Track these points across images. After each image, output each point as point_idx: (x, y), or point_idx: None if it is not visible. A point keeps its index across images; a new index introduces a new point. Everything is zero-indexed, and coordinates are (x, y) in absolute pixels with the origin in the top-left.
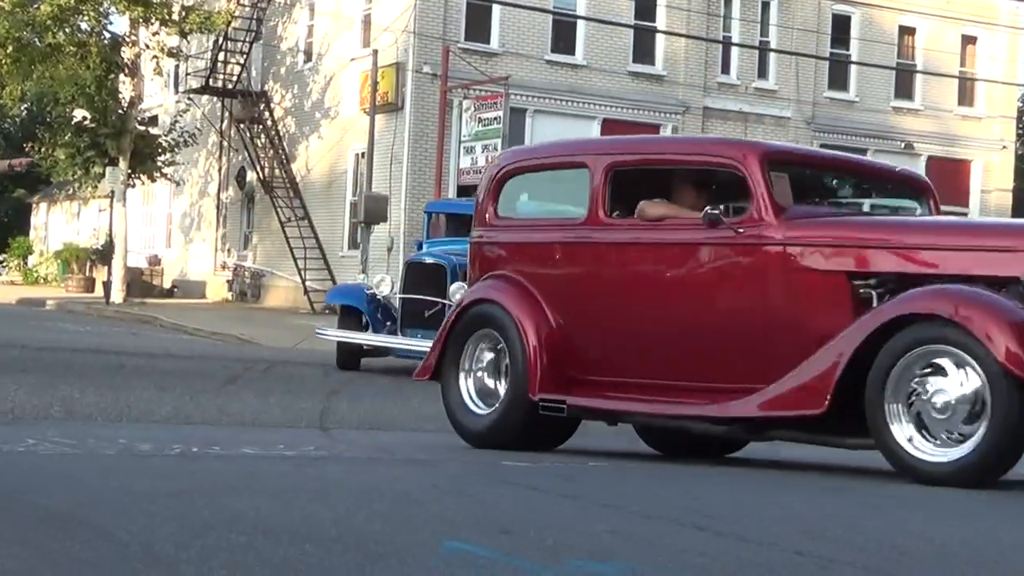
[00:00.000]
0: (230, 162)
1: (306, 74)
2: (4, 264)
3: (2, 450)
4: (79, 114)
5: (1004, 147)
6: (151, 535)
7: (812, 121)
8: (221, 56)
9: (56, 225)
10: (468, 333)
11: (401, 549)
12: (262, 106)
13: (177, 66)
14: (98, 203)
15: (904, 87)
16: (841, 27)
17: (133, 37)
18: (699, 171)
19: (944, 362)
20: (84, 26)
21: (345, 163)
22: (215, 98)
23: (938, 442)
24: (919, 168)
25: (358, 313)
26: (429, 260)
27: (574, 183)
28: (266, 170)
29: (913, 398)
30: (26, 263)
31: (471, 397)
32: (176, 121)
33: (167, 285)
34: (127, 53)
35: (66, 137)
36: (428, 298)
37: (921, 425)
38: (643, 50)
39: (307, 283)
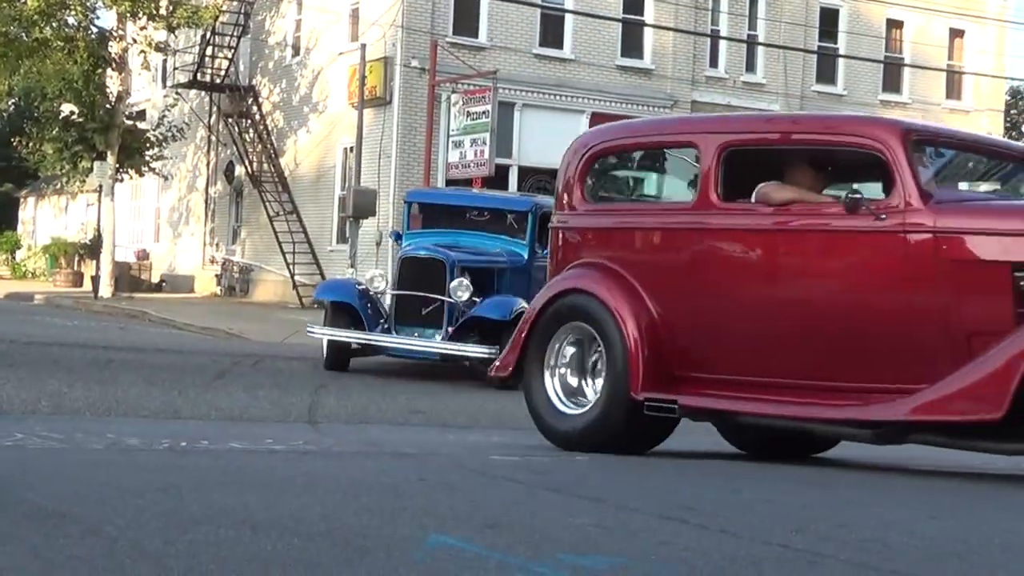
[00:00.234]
0: (218, 156)
1: (294, 68)
2: None
3: None
4: (67, 109)
5: None
6: (139, 530)
7: None
8: (209, 50)
9: (44, 220)
10: (554, 327)
11: (388, 543)
12: (250, 100)
13: (165, 60)
14: (86, 197)
15: (892, 81)
16: (829, 20)
17: (120, 31)
18: (819, 151)
19: None
20: (71, 21)
21: (333, 157)
22: (203, 92)
23: None
24: None
25: (350, 310)
26: (425, 255)
27: (678, 164)
28: (254, 164)
29: None
30: (14, 258)
31: (558, 396)
32: (164, 115)
33: (155, 280)
34: (114, 48)
35: (54, 132)
36: (427, 295)
37: None
38: (631, 44)
39: (296, 277)
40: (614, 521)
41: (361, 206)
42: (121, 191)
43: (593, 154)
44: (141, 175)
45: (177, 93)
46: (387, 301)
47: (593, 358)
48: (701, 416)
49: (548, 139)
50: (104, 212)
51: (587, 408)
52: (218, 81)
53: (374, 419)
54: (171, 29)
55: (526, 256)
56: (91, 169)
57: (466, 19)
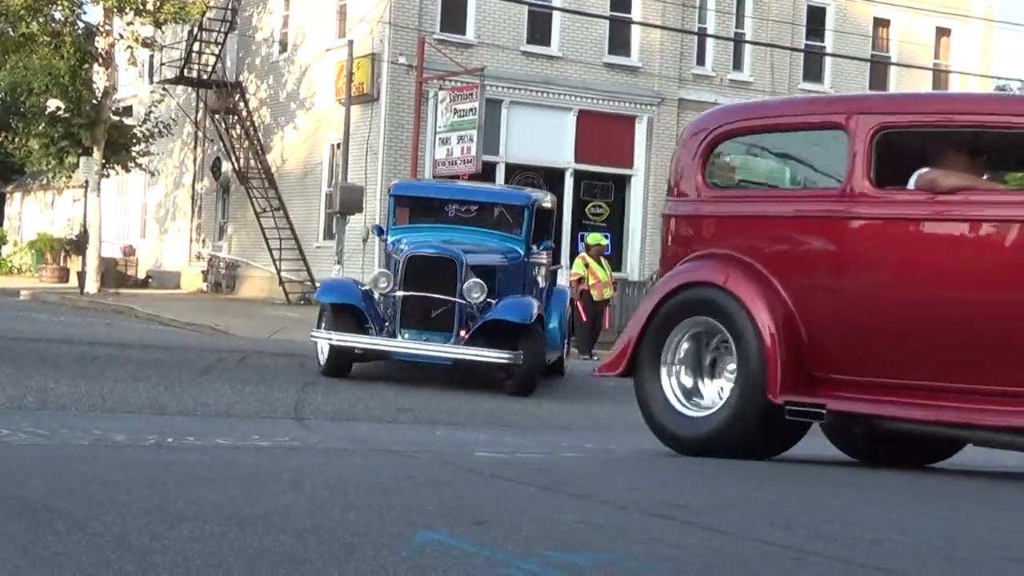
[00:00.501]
0: (205, 152)
1: (281, 65)
2: None
3: None
4: (53, 104)
5: None
6: (125, 526)
7: None
8: (196, 46)
9: (30, 215)
10: (673, 322)
11: (376, 540)
12: (237, 97)
13: (152, 56)
14: (72, 193)
15: (878, 79)
16: (816, 19)
17: (107, 27)
18: (987, 135)
19: None
20: (58, 16)
21: (320, 154)
22: (190, 88)
23: None
24: None
25: (354, 312)
26: (433, 253)
27: (821, 146)
28: (241, 161)
29: None
30: (0, 253)
31: (676, 397)
32: (151, 111)
33: (142, 275)
34: (101, 43)
35: (40, 127)
36: (437, 296)
37: None
38: (618, 41)
39: (282, 274)
40: (602, 518)
41: (348, 203)
42: (107, 187)
43: (716, 137)
44: (127, 171)
45: (164, 89)
46: (391, 303)
47: (711, 356)
48: (855, 422)
49: (535, 136)
50: (90, 208)
51: (712, 410)
52: (205, 77)
53: (361, 416)
54: (158, 25)
55: (522, 253)
56: (77, 165)
57: (454, 16)
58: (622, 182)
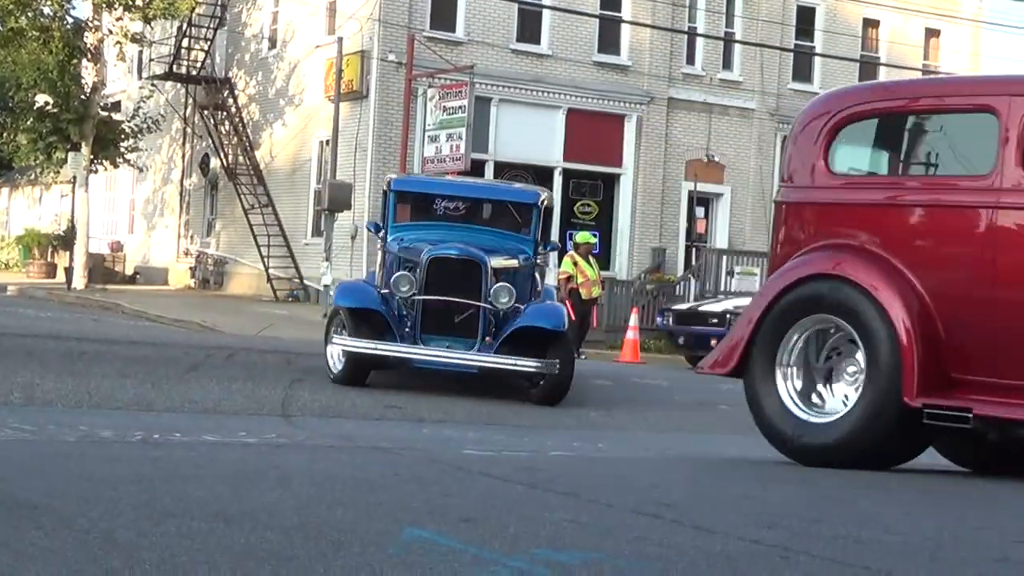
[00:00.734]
0: (193, 149)
1: (270, 61)
2: None
3: None
4: (41, 99)
5: None
6: (112, 522)
7: (776, 113)
8: (185, 42)
9: (18, 210)
10: (792, 320)
11: (362, 537)
12: (226, 93)
13: (140, 52)
14: (60, 188)
15: (868, 79)
16: (806, 19)
17: (96, 22)
18: None
19: None
20: (47, 11)
21: (309, 151)
22: (179, 84)
23: None
24: None
25: (374, 317)
26: (457, 255)
27: (965, 131)
28: (230, 157)
29: None
30: None
31: (793, 400)
32: (139, 107)
33: (129, 271)
34: (90, 38)
35: (28, 122)
36: (463, 300)
37: None
38: (608, 40)
39: (270, 271)
40: (589, 516)
41: (337, 200)
42: (95, 182)
43: (841, 119)
44: (116, 166)
45: (153, 84)
46: (410, 307)
47: (825, 356)
48: (1005, 428)
49: (524, 134)
50: (78, 203)
51: (838, 416)
52: (194, 73)
53: (348, 413)
54: (147, 20)
55: (531, 254)
56: (65, 160)
57: (443, 13)
58: (611, 181)
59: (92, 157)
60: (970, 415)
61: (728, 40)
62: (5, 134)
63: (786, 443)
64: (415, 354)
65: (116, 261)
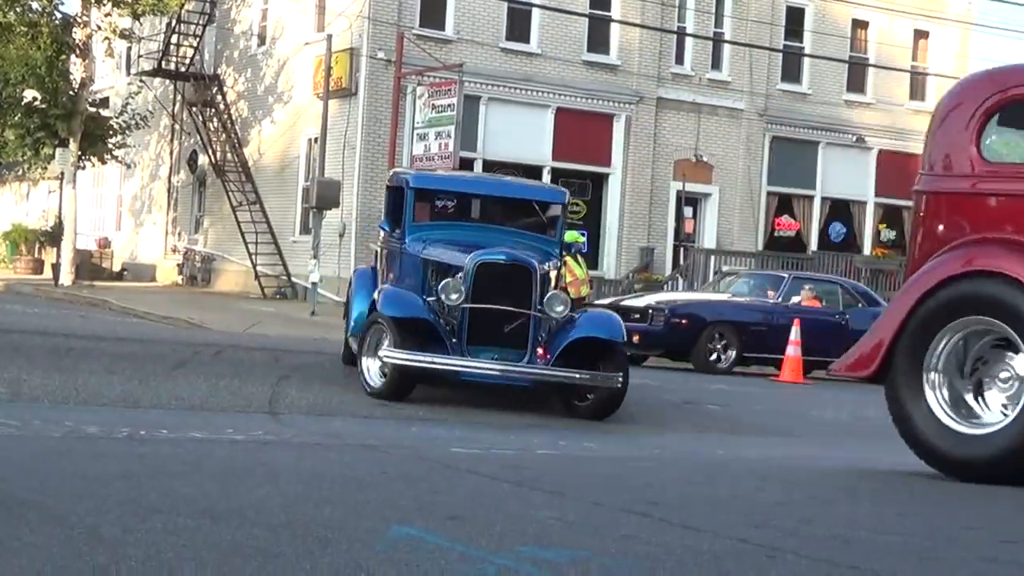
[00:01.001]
0: (182, 145)
1: (259, 58)
2: None
3: None
4: (29, 95)
5: None
6: (98, 518)
7: (765, 113)
8: (174, 38)
9: (5, 206)
10: (941, 321)
11: (350, 534)
12: (215, 89)
13: (129, 48)
14: (48, 184)
15: (856, 80)
16: (795, 19)
17: (85, 18)
18: None
19: None
20: (35, 6)
21: (298, 148)
22: (167, 81)
23: None
24: (869, 162)
25: (422, 327)
26: (505, 260)
27: None
28: (218, 154)
29: None
30: None
31: (944, 410)
32: (128, 103)
33: (117, 268)
34: (78, 34)
35: (16, 118)
36: (515, 309)
37: None
38: (597, 39)
39: (258, 268)
40: (576, 515)
41: (325, 197)
42: (83, 178)
43: (996, 103)
44: (104, 163)
45: (141, 81)
46: (455, 316)
47: (973, 362)
48: None
49: (513, 133)
50: (66, 199)
51: (997, 427)
52: (183, 69)
53: (336, 411)
54: (136, 16)
55: (558, 257)
56: (53, 156)
57: (433, 11)
58: (599, 180)
59: (80, 153)
60: None
61: (717, 40)
62: None
63: (936, 455)
64: (470, 367)
65: (104, 257)
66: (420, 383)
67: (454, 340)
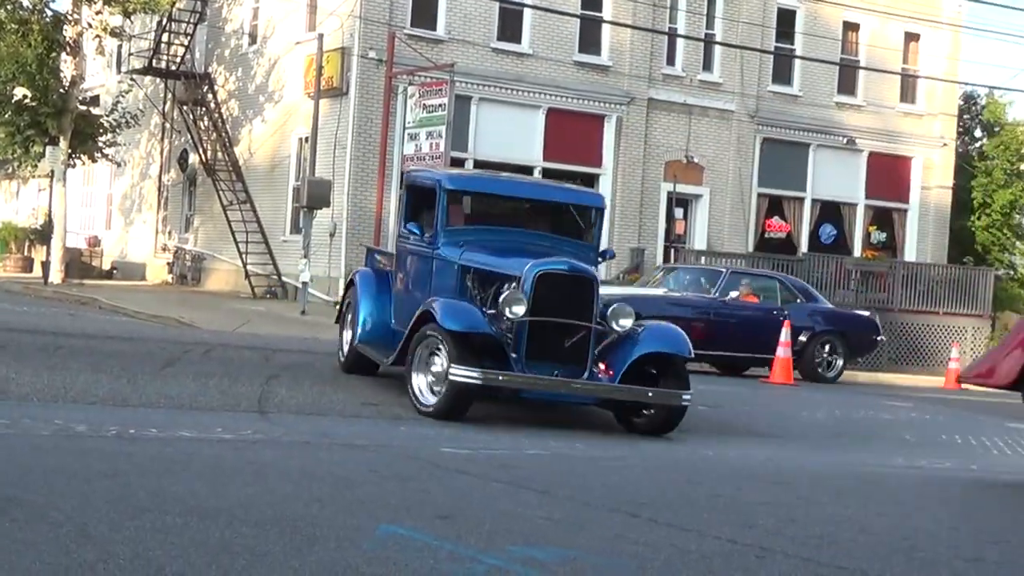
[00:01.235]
0: (172, 144)
1: (250, 57)
2: None
3: None
4: (19, 92)
5: (944, 144)
6: (86, 515)
7: (756, 115)
8: (165, 37)
9: None
10: None
11: (338, 532)
12: (205, 88)
13: (120, 46)
14: (38, 182)
15: (847, 83)
16: (786, 21)
17: (76, 15)
18: None
19: None
20: (26, 3)
21: (288, 147)
22: (158, 79)
23: None
24: (860, 164)
25: (486, 342)
26: (567, 270)
27: None
28: (208, 153)
29: None
30: None
31: None
32: (118, 101)
33: (107, 266)
34: (69, 32)
35: (6, 115)
36: (576, 322)
37: None
38: (589, 40)
39: (248, 267)
40: (565, 514)
41: (315, 197)
42: (73, 177)
43: None
44: (94, 161)
45: (132, 79)
46: (512, 329)
47: None
48: None
49: (504, 133)
50: (56, 197)
51: None
52: (173, 68)
53: (325, 410)
54: (127, 14)
55: (596, 264)
56: (43, 154)
57: (424, 11)
58: (590, 181)
59: (70, 151)
60: None
61: (708, 41)
62: None
63: None
64: (537, 385)
65: (93, 256)
66: (477, 400)
67: (514, 355)
